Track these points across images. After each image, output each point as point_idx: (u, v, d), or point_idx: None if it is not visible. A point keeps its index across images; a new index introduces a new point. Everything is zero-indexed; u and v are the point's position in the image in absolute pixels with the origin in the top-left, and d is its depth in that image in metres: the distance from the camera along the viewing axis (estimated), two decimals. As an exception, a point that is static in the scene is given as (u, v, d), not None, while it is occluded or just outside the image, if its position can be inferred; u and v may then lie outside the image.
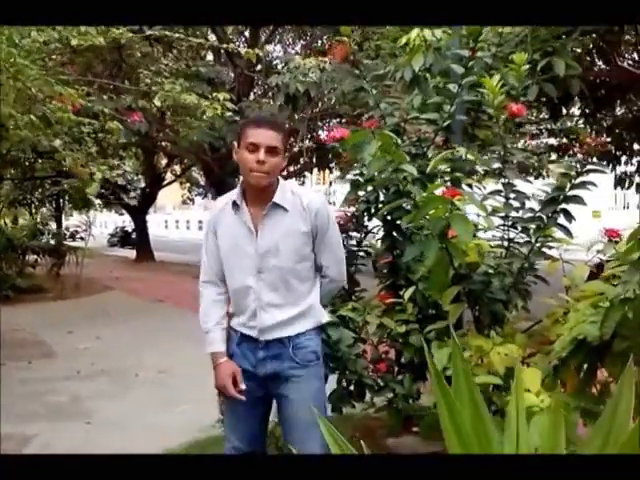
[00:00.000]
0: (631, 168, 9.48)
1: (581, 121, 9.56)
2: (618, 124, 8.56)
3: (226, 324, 2.29)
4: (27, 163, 11.22)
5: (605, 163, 8.08)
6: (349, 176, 3.57)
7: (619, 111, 8.76)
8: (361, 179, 3.63)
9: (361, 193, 3.64)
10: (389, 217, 3.45)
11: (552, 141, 10.09)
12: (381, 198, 3.51)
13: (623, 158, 9.03)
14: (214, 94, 5.69)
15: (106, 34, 4.46)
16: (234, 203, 2.21)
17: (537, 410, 2.01)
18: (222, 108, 5.41)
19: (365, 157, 2.78)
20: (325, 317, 2.40)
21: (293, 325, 2.26)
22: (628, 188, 9.59)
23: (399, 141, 2.77)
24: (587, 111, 8.72)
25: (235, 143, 2.22)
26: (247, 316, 2.24)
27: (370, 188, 3.57)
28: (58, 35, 4.19)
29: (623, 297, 2.00)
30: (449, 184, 3.11)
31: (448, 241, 2.56)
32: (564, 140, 10.05)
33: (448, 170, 3.19)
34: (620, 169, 9.35)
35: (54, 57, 4.92)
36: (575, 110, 8.90)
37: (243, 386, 2.23)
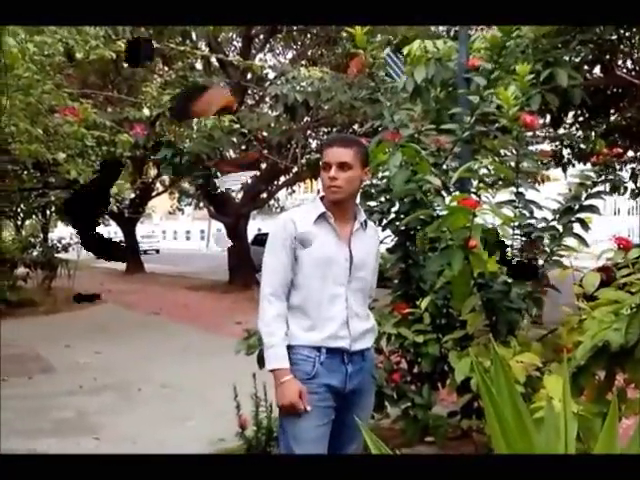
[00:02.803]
0: (625, 174, 9.60)
1: (573, 128, 9.68)
2: (612, 131, 8.66)
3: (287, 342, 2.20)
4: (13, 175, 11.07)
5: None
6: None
7: (612, 118, 8.87)
8: (373, 190, 3.64)
9: (372, 203, 3.65)
10: (402, 227, 3.45)
11: (546, 147, 10.20)
12: (394, 208, 3.51)
13: (617, 165, 9.12)
14: (213, 105, 5.66)
15: (111, 46, 4.44)
16: (320, 216, 2.20)
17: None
18: (219, 119, 5.39)
19: (390, 169, 2.79)
20: None
21: (368, 337, 2.31)
22: (622, 194, 9.69)
23: (423, 152, 2.79)
24: (581, 119, 8.84)
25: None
26: (337, 326, 2.20)
27: (383, 199, 3.58)
28: (64, 48, 4.17)
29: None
30: (457, 193, 3.13)
31: (470, 251, 2.58)
32: (559, 146, 10.17)
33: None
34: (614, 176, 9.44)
35: (56, 70, 4.88)
36: (568, 118, 9.00)
37: (309, 407, 2.14)
